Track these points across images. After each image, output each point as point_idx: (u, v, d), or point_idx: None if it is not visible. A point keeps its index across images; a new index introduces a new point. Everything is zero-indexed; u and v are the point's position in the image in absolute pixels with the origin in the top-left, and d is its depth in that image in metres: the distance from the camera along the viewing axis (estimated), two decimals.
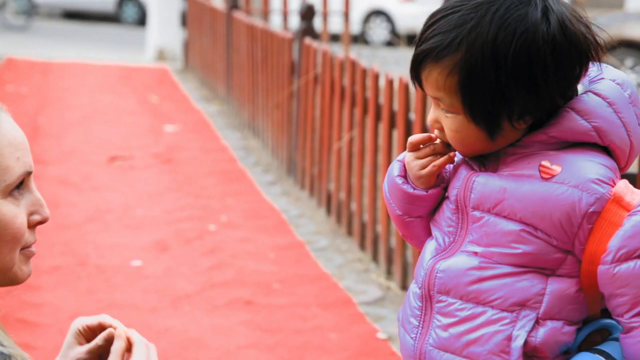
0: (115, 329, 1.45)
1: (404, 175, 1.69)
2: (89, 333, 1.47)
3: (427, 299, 1.64)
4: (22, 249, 1.39)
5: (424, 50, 1.57)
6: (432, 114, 1.63)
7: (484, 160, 1.63)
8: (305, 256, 4.75)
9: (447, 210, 1.65)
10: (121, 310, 3.93)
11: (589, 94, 1.58)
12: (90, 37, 16.11)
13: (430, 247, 1.67)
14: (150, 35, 12.31)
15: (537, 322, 1.56)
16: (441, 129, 1.62)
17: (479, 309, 1.59)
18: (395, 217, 1.74)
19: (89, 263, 4.50)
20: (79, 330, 1.47)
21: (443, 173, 1.68)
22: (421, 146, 1.67)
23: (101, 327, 1.47)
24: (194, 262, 4.57)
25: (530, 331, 1.56)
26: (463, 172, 1.64)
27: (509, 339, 1.56)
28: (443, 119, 1.60)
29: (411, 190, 1.67)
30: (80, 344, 1.47)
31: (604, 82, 1.60)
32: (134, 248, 4.74)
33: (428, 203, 1.68)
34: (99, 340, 1.46)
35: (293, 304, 4.08)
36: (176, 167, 6.49)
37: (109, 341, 1.45)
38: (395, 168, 1.70)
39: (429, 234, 1.72)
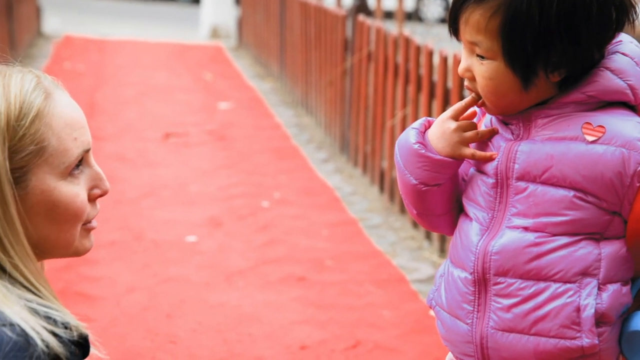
0: None
1: (422, 142, 1.65)
2: None
3: (481, 282, 1.61)
4: (84, 224, 1.41)
5: None
6: (464, 62, 1.60)
7: (513, 128, 1.61)
8: (358, 233, 4.76)
9: (482, 185, 1.62)
10: (176, 285, 3.99)
11: (617, 54, 1.59)
12: (145, 15, 16.24)
13: (473, 228, 1.63)
14: (204, 13, 12.37)
15: (599, 288, 1.56)
16: (472, 79, 1.60)
17: (542, 284, 1.57)
18: (410, 189, 1.67)
19: (145, 238, 4.57)
20: None
21: None
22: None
23: None
24: (247, 238, 4.61)
25: (595, 298, 1.56)
26: (500, 144, 1.61)
27: (578, 309, 1.55)
28: (476, 67, 1.58)
29: (439, 157, 1.62)
30: None
31: (625, 44, 1.61)
32: (188, 224, 4.80)
33: (451, 170, 1.65)
34: None
35: (346, 281, 4.10)
36: (230, 144, 6.54)
37: None
38: (411, 135, 1.66)
39: (443, 206, 1.69)
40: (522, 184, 1.58)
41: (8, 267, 1.28)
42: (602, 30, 1.55)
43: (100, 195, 1.42)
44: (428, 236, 4.66)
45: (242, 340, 3.50)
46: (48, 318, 1.26)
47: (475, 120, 1.68)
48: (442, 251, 4.45)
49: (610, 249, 1.57)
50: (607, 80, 1.56)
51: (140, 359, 3.31)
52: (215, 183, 5.57)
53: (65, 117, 1.36)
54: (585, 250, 1.56)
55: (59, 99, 1.37)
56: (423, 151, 1.63)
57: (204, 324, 3.62)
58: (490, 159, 1.61)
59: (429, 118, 1.69)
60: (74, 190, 1.37)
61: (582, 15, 1.52)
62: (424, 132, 1.66)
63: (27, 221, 1.32)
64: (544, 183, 1.56)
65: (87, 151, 1.39)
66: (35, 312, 1.26)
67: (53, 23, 12.58)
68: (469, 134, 1.63)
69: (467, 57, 1.59)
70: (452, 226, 1.73)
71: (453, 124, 1.64)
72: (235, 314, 3.72)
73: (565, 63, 1.54)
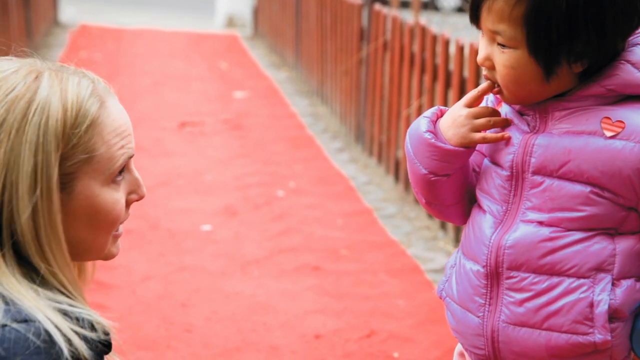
0: None
1: (433, 131, 1.63)
2: None
3: (494, 276, 1.60)
4: None
5: None
6: (483, 50, 1.58)
7: (529, 119, 1.59)
8: (373, 223, 4.76)
9: (497, 178, 1.61)
10: (191, 274, 4.00)
11: (638, 46, 1.56)
12: (161, 4, 16.25)
13: (486, 221, 1.62)
14: (220, 2, 12.36)
15: (613, 284, 1.55)
16: (492, 68, 1.58)
17: (555, 279, 1.56)
18: (420, 178, 1.67)
19: (160, 227, 4.58)
20: None
21: None
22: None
23: None
24: (262, 228, 4.62)
25: (609, 294, 1.55)
26: (517, 136, 1.59)
27: (591, 305, 1.55)
28: (497, 56, 1.55)
29: (449, 147, 1.61)
30: None
31: None
32: (203, 213, 4.81)
33: (461, 161, 1.63)
34: None
35: (360, 271, 4.10)
36: (245, 133, 6.54)
37: None
38: (422, 124, 1.64)
39: (453, 197, 1.68)
40: (538, 178, 1.56)
41: (44, 272, 1.28)
42: (627, 20, 1.53)
43: (137, 200, 1.43)
44: (443, 226, 4.65)
45: (256, 329, 3.51)
46: (77, 319, 1.26)
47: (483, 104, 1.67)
48: (457, 241, 4.44)
49: (624, 245, 1.56)
50: (627, 74, 1.54)
51: (155, 348, 3.33)
52: (230, 172, 5.57)
53: (115, 125, 1.36)
54: (600, 246, 1.55)
55: (111, 105, 1.37)
56: (433, 140, 1.62)
57: (219, 313, 3.63)
58: (502, 138, 1.59)
59: (441, 107, 1.67)
60: (115, 197, 1.37)
61: (608, 4, 1.50)
62: (436, 121, 1.65)
63: (67, 225, 1.32)
64: (560, 178, 1.55)
65: (130, 157, 1.39)
66: (65, 314, 1.26)
67: (69, 12, 12.61)
68: (481, 121, 1.61)
69: (487, 46, 1.57)
70: (462, 216, 1.72)
71: (464, 111, 1.62)
72: (250, 303, 3.73)
73: (589, 53, 1.52)
